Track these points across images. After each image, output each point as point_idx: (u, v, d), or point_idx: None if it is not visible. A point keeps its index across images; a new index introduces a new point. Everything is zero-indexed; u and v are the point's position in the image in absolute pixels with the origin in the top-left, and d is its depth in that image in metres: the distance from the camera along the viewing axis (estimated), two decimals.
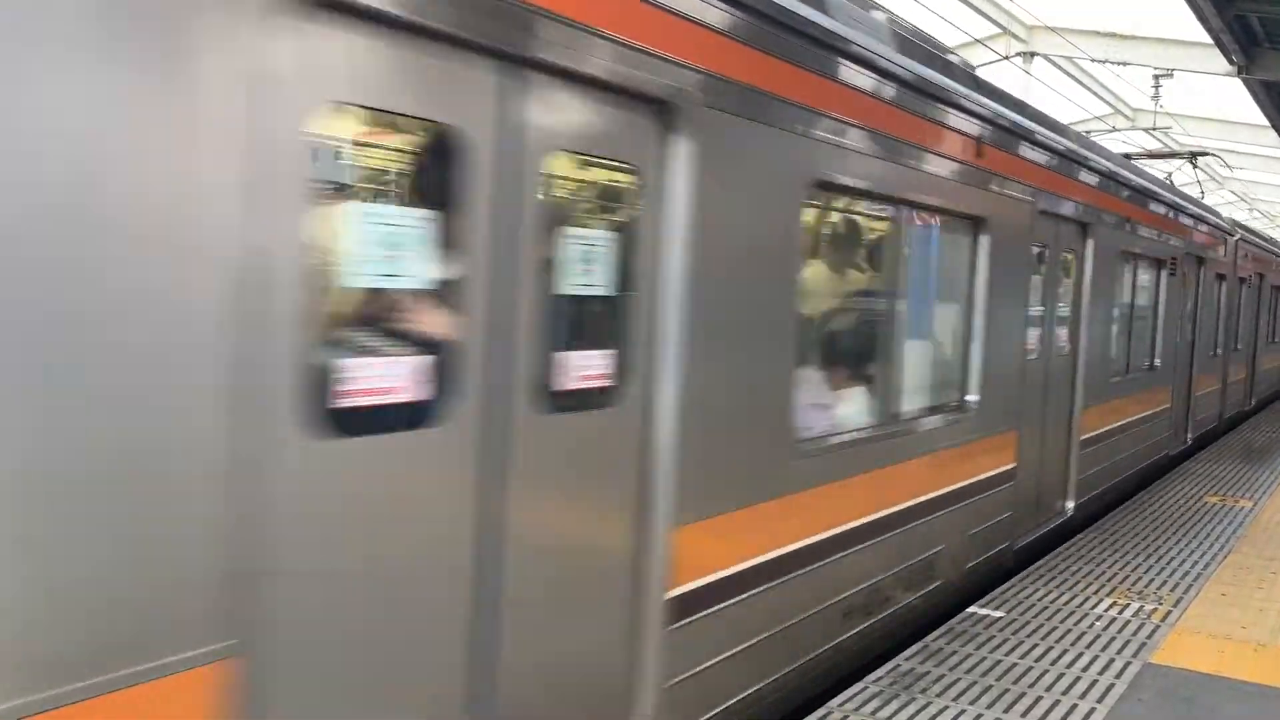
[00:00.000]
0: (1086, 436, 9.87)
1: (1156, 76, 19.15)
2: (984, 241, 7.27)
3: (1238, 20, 11.94)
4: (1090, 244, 9.64)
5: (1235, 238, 17.02)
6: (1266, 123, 17.53)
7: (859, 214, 6.40)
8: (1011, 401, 7.97)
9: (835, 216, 6.29)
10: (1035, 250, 8.39)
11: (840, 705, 5.34)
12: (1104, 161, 10.15)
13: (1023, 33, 18.66)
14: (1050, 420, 9.02)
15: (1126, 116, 23.71)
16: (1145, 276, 12.23)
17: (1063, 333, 9.33)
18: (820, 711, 5.27)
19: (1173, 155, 18.75)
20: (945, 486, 6.96)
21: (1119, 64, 17.97)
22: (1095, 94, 22.53)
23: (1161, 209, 12.32)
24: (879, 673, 5.80)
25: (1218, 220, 16.07)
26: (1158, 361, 12.68)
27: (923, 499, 6.67)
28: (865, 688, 5.58)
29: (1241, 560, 8.65)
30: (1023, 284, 8.11)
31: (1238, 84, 14.80)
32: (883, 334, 6.35)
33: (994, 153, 7.25)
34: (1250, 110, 17.25)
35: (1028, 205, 7.96)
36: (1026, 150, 7.93)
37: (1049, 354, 8.91)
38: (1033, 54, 18.95)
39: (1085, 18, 18.18)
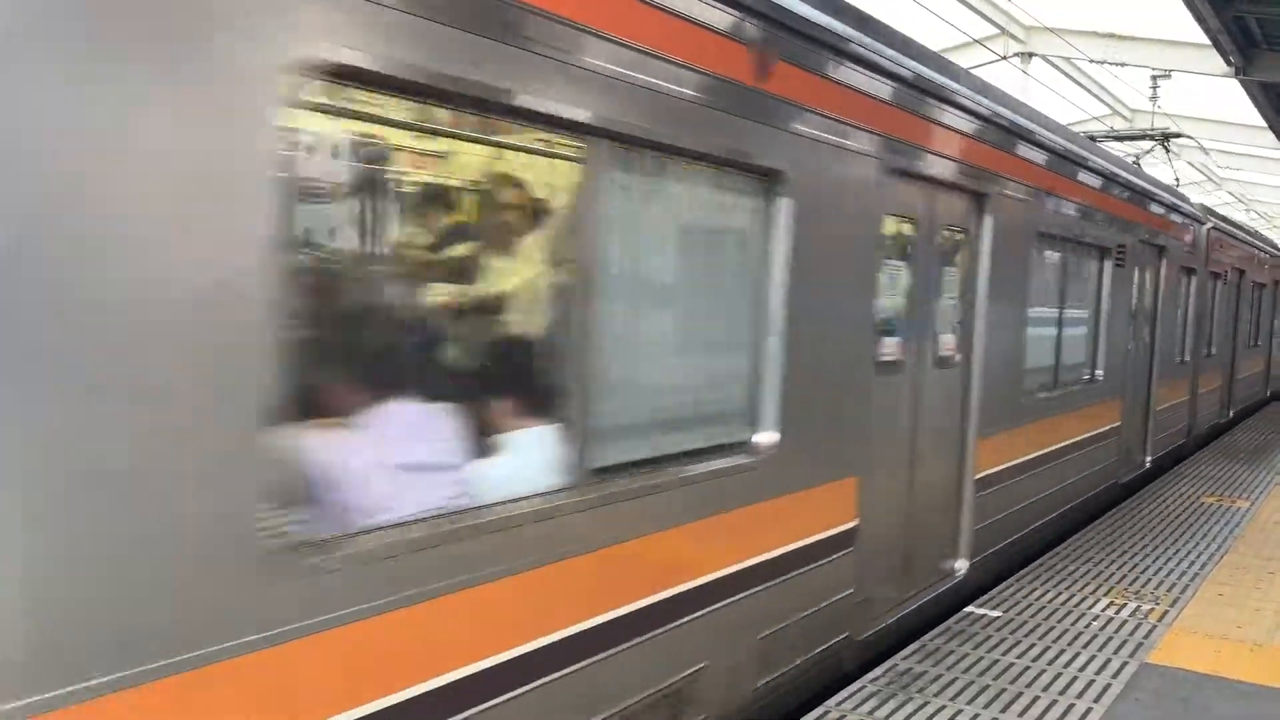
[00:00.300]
0: (988, 473, 7.63)
1: (1154, 77, 19.18)
2: (784, 206, 4.97)
3: (1235, 21, 11.95)
4: (988, 221, 7.29)
5: (1207, 226, 14.83)
6: (1264, 124, 17.54)
7: (493, 144, 3.88)
8: (847, 436, 5.72)
9: (420, 143, 3.79)
10: (888, 224, 6.10)
11: (838, 704, 5.35)
12: (1008, 113, 7.65)
13: (1021, 33, 18.70)
14: (925, 456, 6.82)
15: (1125, 118, 23.75)
16: (1081, 267, 9.99)
17: (948, 339, 7.14)
18: (818, 710, 5.28)
19: (1141, 136, 16.74)
20: (709, 573, 4.64)
21: (1117, 65, 17.99)
22: (1094, 95, 22.58)
23: (1102, 184, 9.96)
24: (876, 672, 5.81)
25: (1184, 205, 13.78)
26: (1099, 372, 10.46)
27: (661, 597, 4.33)
28: (863, 687, 5.59)
29: (1238, 560, 8.66)
30: (861, 270, 5.79)
31: (1235, 85, 14.81)
32: (579, 342, 3.92)
33: (796, 75, 4.99)
34: (1248, 111, 17.27)
35: (868, 160, 5.69)
36: (861, 81, 5.57)
37: (921, 368, 6.72)
38: (1031, 55, 18.98)
39: (1083, 18, 18.22)
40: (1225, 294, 16.72)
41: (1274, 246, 23.20)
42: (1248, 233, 19.72)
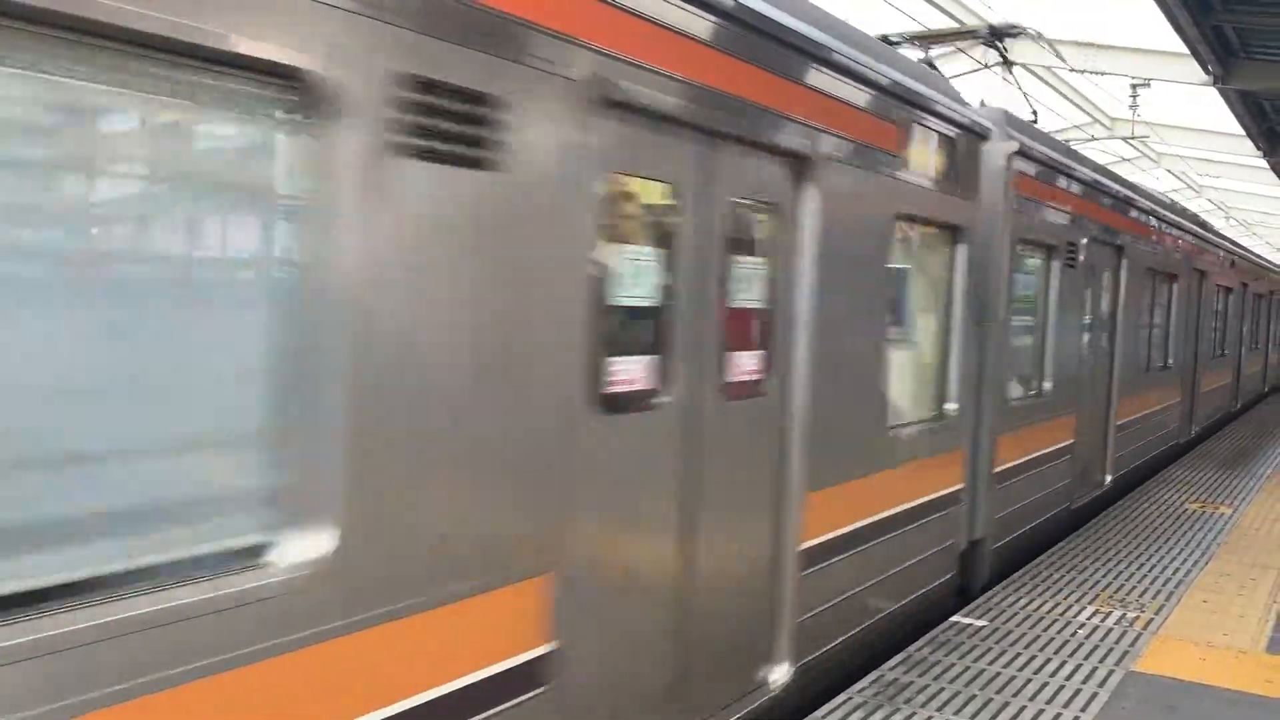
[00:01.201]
0: None
1: (1134, 86, 19.30)
2: None
3: (1214, 30, 12.03)
4: None
5: (1005, 150, 7.98)
6: (1242, 132, 17.67)
7: None
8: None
9: None
10: None
11: (824, 717, 5.32)
12: None
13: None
14: None
15: (1105, 125, 23.90)
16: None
17: None
18: None
19: (957, 35, 11.50)
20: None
21: (1097, 73, 18.10)
22: (1074, 103, 22.72)
23: None
24: (863, 683, 5.79)
25: (909, 85, 6.28)
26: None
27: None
28: (849, 698, 5.56)
29: (1222, 567, 8.68)
30: None
31: (1214, 93, 14.92)
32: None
33: None
34: (1227, 120, 17.40)
35: None
36: None
37: None
38: (1012, 63, 19.06)
39: (1064, 27, 18.34)
40: (1078, 286, 10.11)
41: (1202, 226, 16.59)
42: (1136, 192, 12.44)
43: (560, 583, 3.83)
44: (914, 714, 5.41)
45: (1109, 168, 12.81)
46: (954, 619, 7.01)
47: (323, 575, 2.97)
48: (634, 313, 4.37)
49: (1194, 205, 31.79)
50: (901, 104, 6.25)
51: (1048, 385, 9.40)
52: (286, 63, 2.80)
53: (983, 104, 8.87)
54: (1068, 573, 8.30)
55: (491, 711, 3.56)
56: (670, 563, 4.57)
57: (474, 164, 3.39)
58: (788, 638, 5.40)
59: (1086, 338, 10.51)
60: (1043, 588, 7.84)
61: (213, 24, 2.62)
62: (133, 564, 2.66)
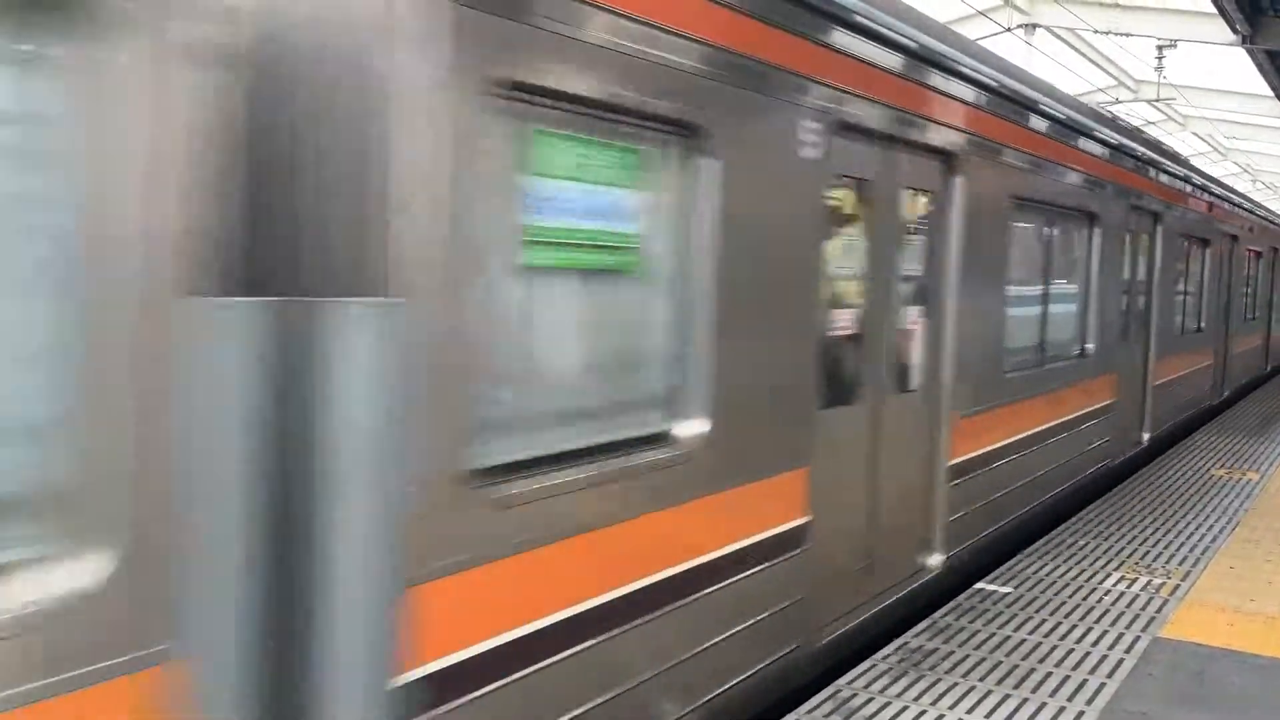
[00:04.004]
0: None
1: (1160, 47, 19.01)
2: None
3: None
4: None
5: None
6: (1271, 93, 17.39)
7: None
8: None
9: None
10: None
11: (849, 683, 5.32)
12: None
13: (1024, 4, 18.53)
14: None
15: (1129, 88, 23.58)
16: None
17: None
18: (828, 690, 5.25)
19: None
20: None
21: (1121, 35, 17.82)
22: (1099, 66, 22.40)
23: None
24: (887, 650, 5.78)
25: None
26: None
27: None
28: (874, 665, 5.55)
29: (1249, 533, 8.61)
30: None
31: (1242, 54, 14.67)
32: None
33: None
34: (1255, 81, 17.11)
35: None
36: None
37: None
38: (1034, 26, 18.81)
39: None
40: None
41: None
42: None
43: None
44: (938, 680, 5.40)
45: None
46: (978, 585, 6.99)
47: None
48: None
49: (1219, 169, 31.37)
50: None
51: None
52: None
53: None
54: (1092, 540, 8.25)
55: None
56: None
57: None
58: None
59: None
60: (1067, 554, 7.80)
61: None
62: None
